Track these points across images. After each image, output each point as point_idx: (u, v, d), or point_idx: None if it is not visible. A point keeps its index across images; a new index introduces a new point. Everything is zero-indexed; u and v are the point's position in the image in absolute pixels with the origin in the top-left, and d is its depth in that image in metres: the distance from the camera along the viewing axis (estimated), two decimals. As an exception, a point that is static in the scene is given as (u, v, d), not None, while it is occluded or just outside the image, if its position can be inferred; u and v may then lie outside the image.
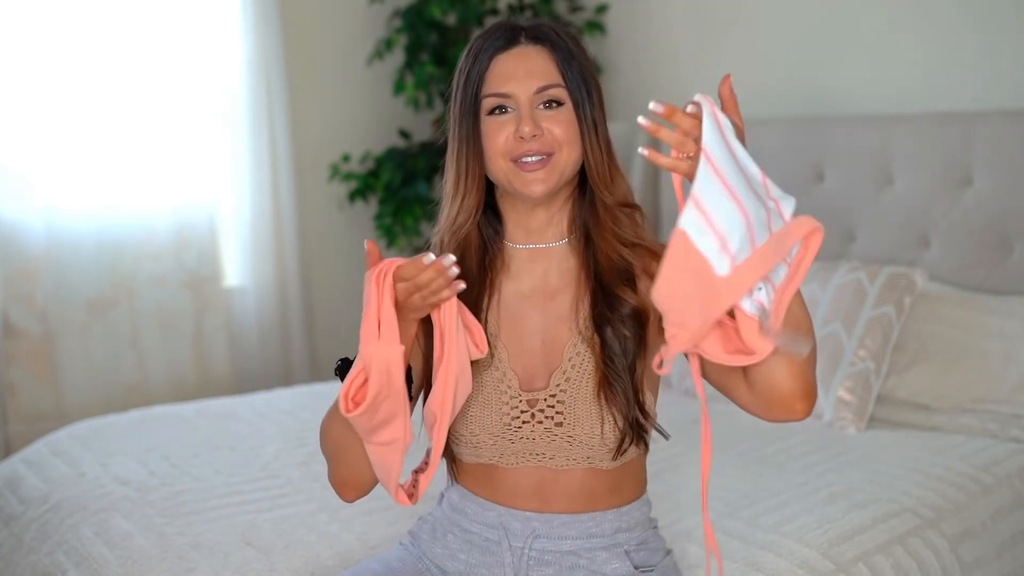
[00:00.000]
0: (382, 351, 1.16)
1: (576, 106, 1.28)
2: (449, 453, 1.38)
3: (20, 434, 3.12)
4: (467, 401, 1.29)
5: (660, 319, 1.29)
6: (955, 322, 2.43)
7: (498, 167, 1.28)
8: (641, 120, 1.04)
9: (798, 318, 1.12)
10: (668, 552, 1.42)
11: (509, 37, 1.29)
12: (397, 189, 3.56)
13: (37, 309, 3.17)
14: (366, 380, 1.17)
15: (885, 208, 2.73)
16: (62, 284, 3.17)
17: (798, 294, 1.11)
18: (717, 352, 1.08)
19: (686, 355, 1.16)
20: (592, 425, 1.28)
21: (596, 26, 3.53)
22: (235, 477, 2.11)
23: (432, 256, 1.15)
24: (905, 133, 2.69)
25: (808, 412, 1.17)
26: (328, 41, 3.72)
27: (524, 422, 1.30)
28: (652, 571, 1.36)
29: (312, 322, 3.71)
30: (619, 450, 1.29)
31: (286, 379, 3.56)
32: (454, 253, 1.32)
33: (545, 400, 1.30)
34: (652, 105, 1.04)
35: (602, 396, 1.28)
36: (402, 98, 3.72)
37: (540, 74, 1.27)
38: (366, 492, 1.34)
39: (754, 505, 1.88)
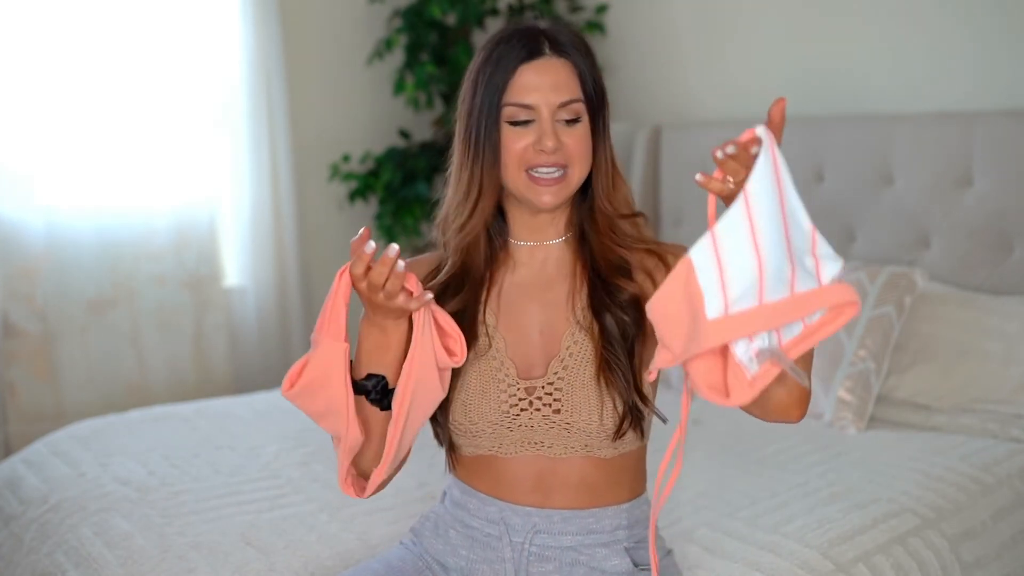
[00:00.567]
0: (326, 346, 1.23)
1: (592, 119, 1.31)
2: (450, 446, 1.40)
3: (20, 434, 3.12)
4: (466, 391, 1.33)
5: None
6: (955, 322, 2.43)
7: (513, 176, 1.30)
8: (698, 178, 1.05)
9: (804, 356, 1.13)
10: (668, 552, 1.43)
11: (533, 47, 1.30)
12: (397, 189, 3.56)
13: (37, 309, 3.17)
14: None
15: (885, 208, 2.73)
16: (62, 284, 3.17)
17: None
18: (698, 379, 1.05)
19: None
20: (590, 412, 1.30)
21: (596, 26, 3.53)
22: (235, 477, 2.11)
23: (372, 245, 1.18)
24: (905, 133, 2.69)
25: (803, 415, 1.20)
26: (328, 41, 3.72)
27: (522, 409, 1.32)
28: (650, 569, 1.36)
29: (312, 322, 3.71)
30: (618, 432, 1.30)
31: (286, 379, 3.56)
32: (461, 251, 1.34)
33: (543, 387, 1.32)
34: (698, 177, 1.05)
35: (602, 379, 1.30)
36: (402, 98, 3.72)
37: (563, 89, 1.29)
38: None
39: (754, 505, 1.88)
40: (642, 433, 1.35)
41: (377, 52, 3.59)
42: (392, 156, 3.61)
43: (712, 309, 0.99)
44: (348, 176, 3.61)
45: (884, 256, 2.71)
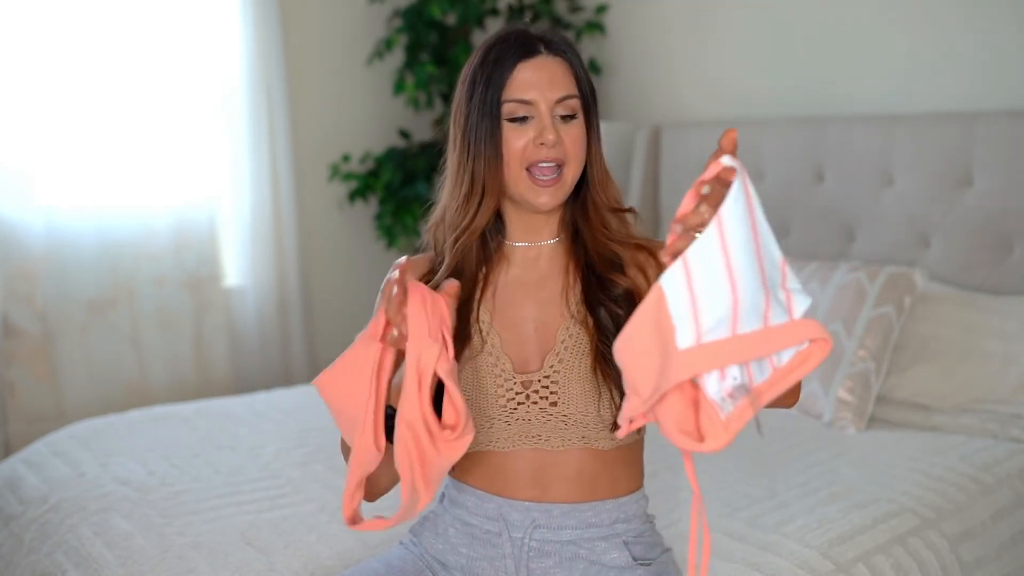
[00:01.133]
0: (363, 345, 1.21)
1: (586, 117, 1.34)
2: None
3: (20, 434, 3.12)
4: (462, 388, 1.33)
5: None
6: (955, 322, 2.43)
7: (513, 174, 1.32)
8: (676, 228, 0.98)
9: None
10: (667, 549, 1.44)
11: (529, 47, 1.33)
12: (397, 189, 3.56)
13: (37, 309, 3.17)
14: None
15: (885, 208, 2.73)
16: (62, 284, 3.17)
17: None
18: (669, 424, 0.99)
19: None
20: (587, 403, 1.31)
21: (596, 26, 3.53)
22: (235, 477, 2.11)
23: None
24: (905, 133, 2.69)
25: (796, 402, 1.24)
26: (328, 41, 3.72)
27: (519, 403, 1.33)
28: (651, 564, 1.38)
29: (312, 322, 3.71)
30: (616, 423, 1.31)
31: (286, 379, 3.57)
32: (458, 252, 1.36)
33: (539, 381, 1.33)
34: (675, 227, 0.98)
35: (599, 371, 1.31)
36: (402, 98, 3.72)
37: (560, 84, 1.32)
38: (379, 496, 1.37)
39: (754, 505, 1.88)
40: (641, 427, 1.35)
41: (377, 52, 3.59)
42: (392, 156, 3.61)
43: (683, 338, 0.94)
44: (348, 176, 3.61)
45: (884, 256, 2.71)
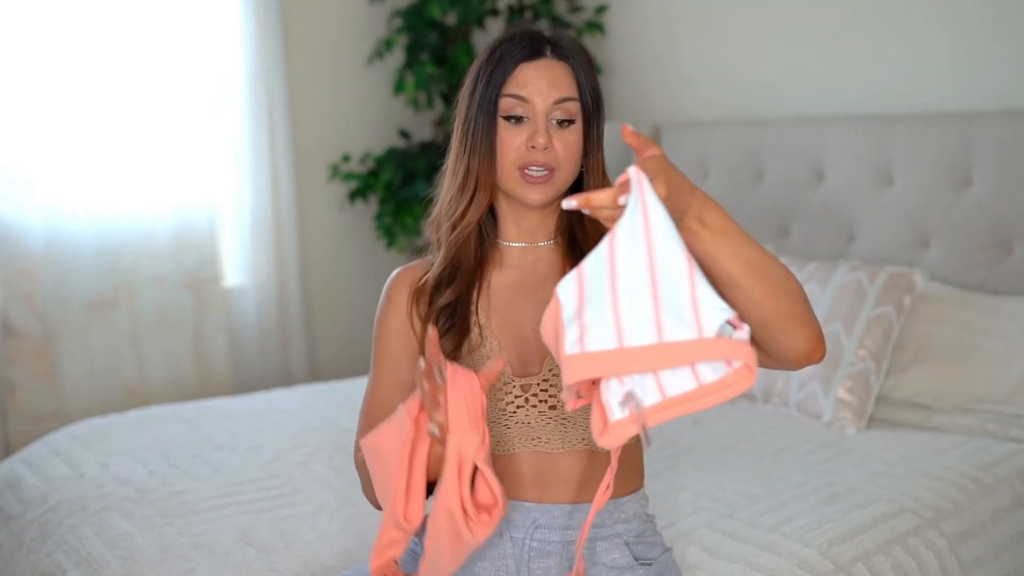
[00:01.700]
0: (401, 419, 1.18)
1: (585, 123, 1.34)
2: None
3: (20, 434, 3.12)
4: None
5: None
6: (955, 322, 2.43)
7: (505, 173, 1.33)
8: (564, 204, 1.04)
9: (756, 263, 1.11)
10: (667, 549, 1.44)
11: (535, 48, 1.33)
12: (397, 189, 3.56)
13: (37, 309, 3.17)
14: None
15: (885, 208, 2.73)
16: (62, 284, 3.17)
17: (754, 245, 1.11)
18: (594, 422, 1.02)
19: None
20: (586, 406, 1.29)
21: (596, 26, 3.53)
22: (235, 477, 2.11)
23: (421, 361, 1.15)
24: (905, 133, 2.69)
25: (824, 353, 1.18)
26: (328, 41, 3.72)
27: (519, 407, 1.34)
28: (651, 564, 1.38)
29: (312, 322, 3.72)
30: None
31: (286, 379, 3.57)
32: (454, 246, 1.37)
33: (538, 384, 1.34)
34: (565, 203, 1.04)
35: None
36: (402, 98, 3.72)
37: (560, 87, 1.32)
38: None
39: (754, 505, 1.88)
40: None
41: (377, 52, 3.59)
42: (392, 156, 3.61)
43: (569, 344, 0.99)
44: (348, 176, 3.61)
45: (884, 256, 2.71)
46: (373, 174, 3.63)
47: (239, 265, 3.51)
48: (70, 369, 3.20)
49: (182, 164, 3.34)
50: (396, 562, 1.25)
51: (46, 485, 2.13)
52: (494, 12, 3.62)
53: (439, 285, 1.38)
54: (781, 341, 1.15)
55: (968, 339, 2.39)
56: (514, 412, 1.33)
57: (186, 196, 3.36)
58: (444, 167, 1.40)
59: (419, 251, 3.66)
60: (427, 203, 1.46)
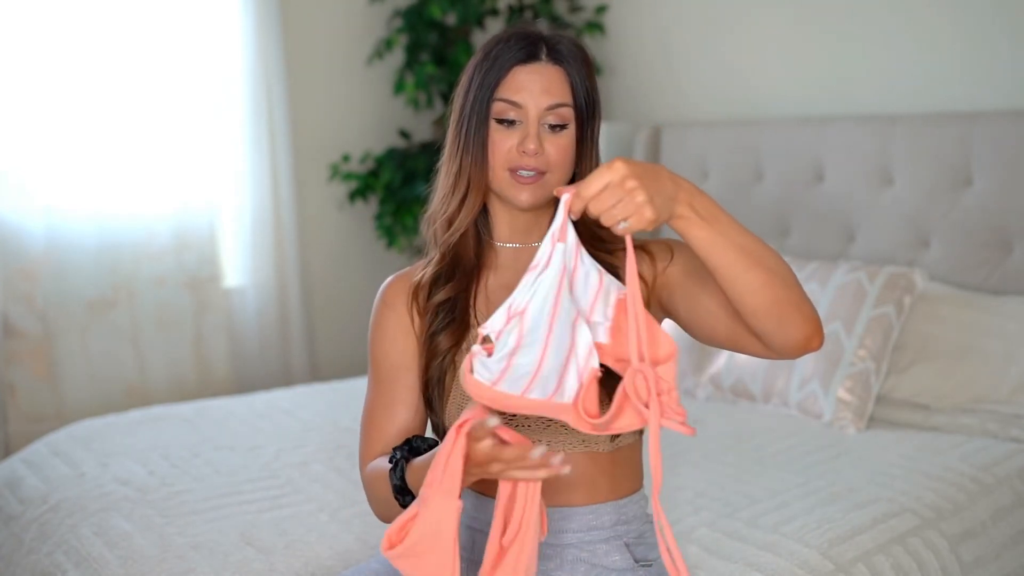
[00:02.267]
0: (437, 504, 1.08)
1: (579, 127, 1.33)
2: None
3: (20, 434, 3.12)
4: (461, 392, 1.33)
5: (649, 306, 1.32)
6: (955, 322, 2.43)
7: (497, 175, 1.32)
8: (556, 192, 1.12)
9: (741, 243, 1.12)
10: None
11: (531, 51, 1.32)
12: (397, 189, 3.56)
13: (37, 309, 3.17)
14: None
15: (885, 208, 2.73)
16: (62, 284, 3.17)
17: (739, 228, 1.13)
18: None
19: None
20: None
21: (596, 26, 3.53)
22: (235, 477, 2.11)
23: (542, 450, 1.06)
24: (905, 133, 2.69)
25: (822, 341, 1.18)
26: (328, 41, 3.72)
27: (515, 413, 1.31)
28: (651, 565, 1.37)
29: (312, 322, 3.72)
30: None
31: (286, 379, 3.57)
32: (450, 246, 1.36)
33: None
34: (556, 191, 1.11)
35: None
36: (402, 98, 3.72)
37: (553, 92, 1.31)
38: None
39: (754, 505, 1.88)
40: (640, 430, 1.35)
41: (377, 52, 3.59)
42: (392, 156, 3.61)
43: (485, 375, 1.07)
44: (348, 176, 3.61)
45: (884, 256, 2.71)
46: (373, 174, 3.63)
47: (239, 265, 3.51)
48: (70, 369, 3.20)
49: (182, 164, 3.33)
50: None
51: (46, 485, 2.13)
52: (494, 12, 3.62)
53: (436, 281, 1.37)
54: (777, 330, 1.15)
55: (968, 339, 2.39)
56: (512, 416, 1.32)
57: (186, 196, 3.36)
58: (440, 164, 1.40)
59: (419, 251, 3.66)
60: (426, 203, 1.45)
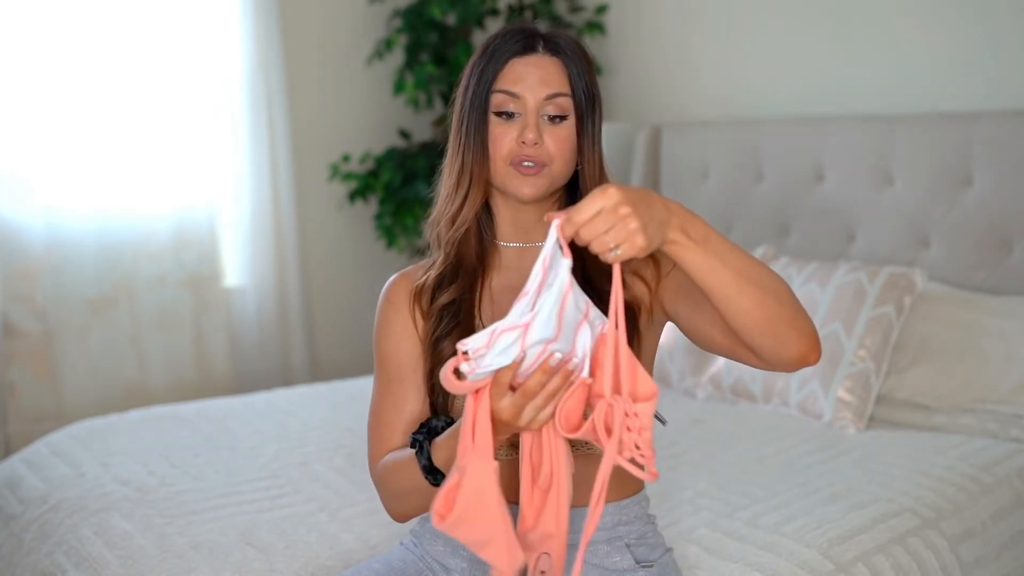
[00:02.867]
0: (475, 470, 1.10)
1: (579, 120, 1.32)
2: None
3: (20, 434, 3.12)
4: (464, 401, 1.31)
5: (652, 311, 1.32)
6: (955, 322, 2.43)
7: (498, 169, 1.32)
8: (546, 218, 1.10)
9: (738, 265, 1.12)
10: (668, 549, 1.43)
11: (527, 43, 1.32)
12: (397, 189, 3.56)
13: (37, 309, 3.17)
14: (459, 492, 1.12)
15: (885, 208, 2.73)
16: (62, 284, 3.17)
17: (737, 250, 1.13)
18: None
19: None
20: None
21: (596, 26, 3.53)
22: (235, 477, 2.11)
23: (559, 356, 1.08)
24: (905, 133, 2.69)
25: (820, 355, 1.18)
26: (328, 41, 3.72)
27: None
28: (652, 566, 1.37)
29: (312, 322, 3.72)
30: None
31: (286, 379, 3.57)
32: (454, 246, 1.35)
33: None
34: (547, 217, 1.09)
35: None
36: (402, 98, 3.72)
37: (551, 83, 1.30)
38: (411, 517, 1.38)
39: (754, 505, 1.88)
40: None
41: (377, 52, 3.59)
42: (392, 156, 3.61)
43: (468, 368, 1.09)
44: (348, 176, 3.61)
45: (884, 256, 2.71)
46: (373, 174, 3.63)
47: (239, 265, 3.51)
48: (70, 369, 3.20)
49: (182, 164, 3.34)
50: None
51: (46, 485, 2.13)
52: (494, 12, 3.62)
53: (440, 284, 1.37)
54: (774, 347, 1.14)
55: (968, 339, 2.39)
56: None
57: (186, 196, 3.36)
58: (443, 166, 1.39)
59: (419, 251, 3.66)
60: (427, 203, 1.45)
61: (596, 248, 1.04)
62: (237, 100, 3.40)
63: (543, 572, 1.17)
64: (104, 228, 3.24)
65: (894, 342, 2.45)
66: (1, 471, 2.32)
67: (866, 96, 2.90)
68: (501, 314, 1.35)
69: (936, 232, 2.64)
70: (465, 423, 1.11)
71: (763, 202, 3.02)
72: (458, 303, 1.35)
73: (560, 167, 1.31)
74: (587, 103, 1.32)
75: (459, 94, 1.35)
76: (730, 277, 1.10)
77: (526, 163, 1.29)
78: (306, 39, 3.64)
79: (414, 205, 3.52)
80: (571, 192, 1.37)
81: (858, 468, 2.07)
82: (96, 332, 3.25)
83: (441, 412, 1.35)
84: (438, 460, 1.24)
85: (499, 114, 1.31)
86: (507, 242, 1.38)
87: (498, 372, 1.09)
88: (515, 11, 3.64)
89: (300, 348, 3.60)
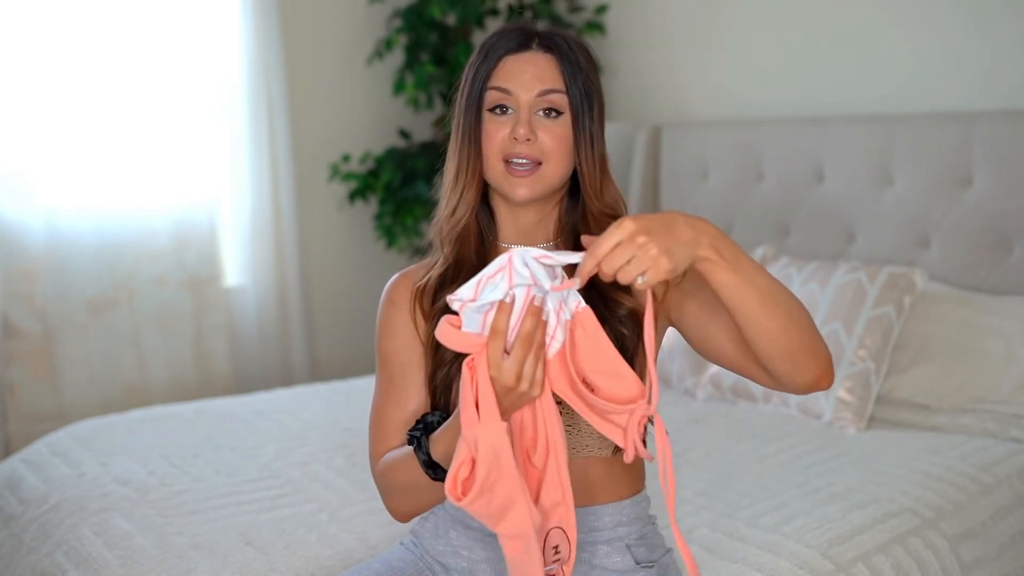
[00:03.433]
0: (486, 432, 1.11)
1: (575, 117, 1.31)
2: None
3: (20, 434, 3.12)
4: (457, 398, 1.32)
5: (656, 316, 1.31)
6: (955, 322, 2.43)
7: (492, 166, 1.31)
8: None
9: (759, 284, 1.13)
10: (668, 550, 1.43)
11: (522, 41, 1.32)
12: (397, 189, 3.56)
13: (37, 309, 3.17)
14: (473, 466, 1.13)
15: (885, 208, 2.73)
16: (62, 284, 3.17)
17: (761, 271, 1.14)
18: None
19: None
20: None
21: (596, 26, 3.54)
22: (235, 477, 2.11)
23: (538, 296, 1.11)
24: (905, 133, 2.69)
25: (833, 380, 1.19)
26: (328, 41, 3.72)
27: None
28: (652, 567, 1.37)
29: (312, 322, 3.72)
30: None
31: (286, 379, 3.57)
32: (454, 245, 1.34)
33: None
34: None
35: None
36: (402, 98, 3.72)
37: (544, 79, 1.30)
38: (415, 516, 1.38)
39: (754, 505, 1.88)
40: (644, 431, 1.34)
41: (377, 52, 3.59)
42: (392, 156, 3.61)
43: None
44: (348, 176, 3.61)
45: (884, 256, 2.71)
46: (373, 174, 3.63)
47: (239, 265, 3.51)
48: (70, 369, 3.20)
49: (182, 163, 3.34)
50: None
51: (46, 485, 2.13)
52: (494, 12, 3.62)
53: (442, 285, 1.36)
54: (791, 371, 1.16)
55: (968, 339, 2.39)
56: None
57: (186, 195, 3.36)
58: (443, 168, 1.39)
59: (419, 251, 3.66)
60: (427, 203, 1.45)
61: (622, 279, 1.05)
62: (237, 100, 3.40)
63: (556, 547, 1.18)
64: (104, 228, 3.24)
65: (894, 342, 2.45)
66: (1, 471, 2.32)
67: (866, 96, 2.90)
68: None
69: (936, 232, 2.64)
70: (466, 402, 1.12)
71: (763, 202, 3.02)
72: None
73: (555, 166, 1.30)
74: (583, 100, 1.30)
75: (458, 94, 1.35)
76: (758, 298, 1.11)
77: (518, 161, 1.28)
78: (306, 39, 3.64)
79: (414, 205, 3.52)
80: (573, 195, 1.36)
81: (858, 468, 2.08)
82: (96, 332, 3.25)
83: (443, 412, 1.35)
84: (436, 454, 1.24)
85: (492, 111, 1.30)
86: (508, 243, 1.38)
87: (491, 343, 1.10)
88: (515, 11, 3.64)
89: (300, 348, 3.60)
